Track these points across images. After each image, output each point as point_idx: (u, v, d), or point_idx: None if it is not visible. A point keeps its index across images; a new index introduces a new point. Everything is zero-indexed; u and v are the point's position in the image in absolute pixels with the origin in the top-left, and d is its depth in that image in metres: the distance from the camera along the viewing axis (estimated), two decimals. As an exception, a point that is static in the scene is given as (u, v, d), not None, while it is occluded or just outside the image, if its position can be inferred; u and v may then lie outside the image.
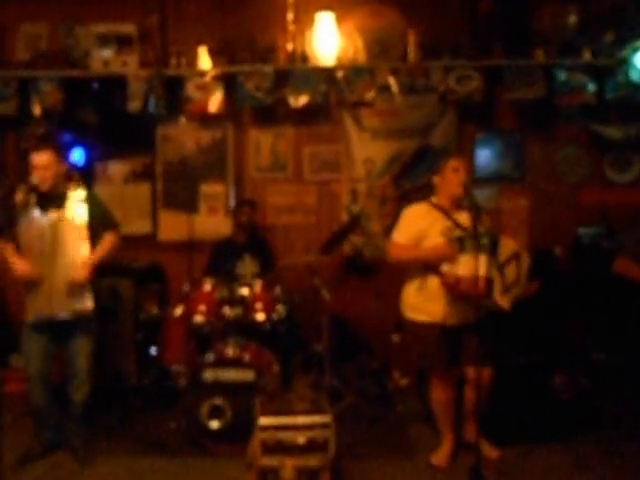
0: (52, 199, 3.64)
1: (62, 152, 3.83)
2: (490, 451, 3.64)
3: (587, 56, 4.90)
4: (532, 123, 5.23)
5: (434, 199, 3.65)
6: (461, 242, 3.39)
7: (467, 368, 3.51)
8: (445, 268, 3.44)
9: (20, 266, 3.53)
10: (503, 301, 3.40)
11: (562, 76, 4.90)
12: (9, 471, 3.25)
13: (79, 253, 3.64)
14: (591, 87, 4.90)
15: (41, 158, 3.62)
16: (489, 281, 3.34)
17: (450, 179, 3.56)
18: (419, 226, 3.57)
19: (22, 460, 3.66)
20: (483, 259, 3.30)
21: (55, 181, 3.65)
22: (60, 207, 3.64)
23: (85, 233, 3.67)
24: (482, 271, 3.30)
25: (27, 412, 3.96)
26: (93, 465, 3.68)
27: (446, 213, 3.54)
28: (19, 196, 3.60)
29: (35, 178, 3.59)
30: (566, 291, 4.60)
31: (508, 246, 3.47)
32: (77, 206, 3.67)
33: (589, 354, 4.57)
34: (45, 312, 3.61)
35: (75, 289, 3.60)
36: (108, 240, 3.76)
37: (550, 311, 3.66)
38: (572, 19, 4.95)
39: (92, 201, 3.76)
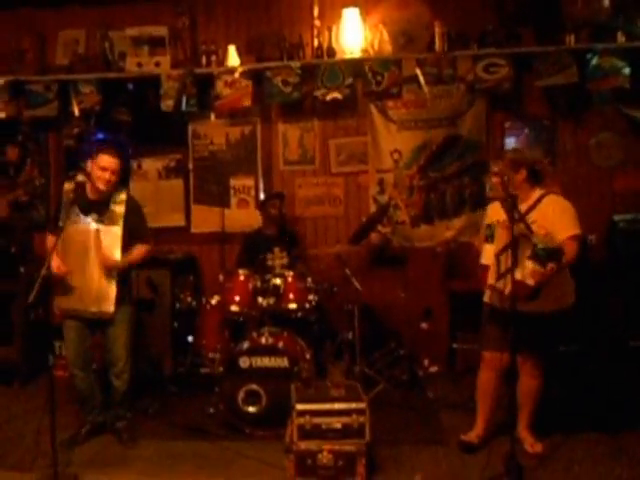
0: (94, 204, 3.74)
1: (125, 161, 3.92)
2: (533, 445, 3.65)
3: (621, 39, 4.81)
4: (563, 109, 5.18)
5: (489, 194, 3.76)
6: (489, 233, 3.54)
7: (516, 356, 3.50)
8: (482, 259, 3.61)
9: (56, 264, 3.59)
10: (500, 286, 3.44)
11: (595, 61, 4.80)
12: (59, 452, 3.37)
13: (113, 258, 3.73)
14: (625, 71, 4.78)
15: (114, 162, 3.71)
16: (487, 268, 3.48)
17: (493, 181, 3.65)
18: (483, 224, 3.75)
19: (70, 442, 3.81)
20: (490, 248, 3.45)
21: (111, 187, 3.74)
22: (101, 213, 3.73)
23: (120, 240, 3.74)
24: (484, 261, 3.49)
25: (74, 397, 4.13)
26: (136, 448, 3.82)
27: (506, 207, 3.55)
28: (67, 191, 3.72)
29: (100, 177, 3.66)
30: (601, 279, 4.55)
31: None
32: (117, 211, 3.75)
33: (626, 342, 4.51)
34: (72, 308, 3.74)
35: (104, 292, 3.69)
36: (140, 249, 3.84)
37: (584, 299, 3.66)
38: (606, 2, 4.85)
39: (132, 208, 3.84)
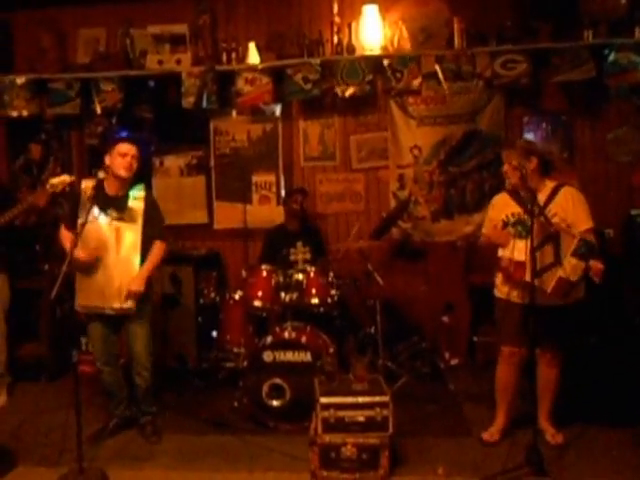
0: (113, 201, 3.79)
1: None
2: (554, 436, 3.68)
3: (639, 35, 4.80)
4: (580, 105, 5.18)
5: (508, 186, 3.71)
6: (514, 227, 3.50)
7: (536, 350, 3.53)
8: (500, 252, 3.56)
9: (79, 252, 3.57)
10: (543, 284, 3.39)
11: (612, 56, 4.80)
12: (86, 447, 3.43)
13: (132, 255, 3.77)
14: (642, 66, 4.77)
15: (132, 148, 3.78)
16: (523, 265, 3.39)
17: (505, 169, 3.64)
18: (490, 215, 3.74)
19: (97, 437, 3.87)
20: (520, 243, 3.40)
21: (132, 175, 3.80)
22: (120, 209, 3.77)
23: (140, 236, 3.79)
24: (517, 255, 3.41)
25: (99, 392, 4.24)
26: (161, 442, 3.88)
27: (518, 198, 3.58)
28: (85, 189, 3.74)
29: (121, 164, 3.72)
30: (618, 272, 4.53)
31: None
32: (135, 208, 3.79)
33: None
34: (93, 305, 3.78)
35: (124, 289, 3.71)
36: (158, 250, 3.87)
37: (602, 292, 3.67)
38: (623, -3, 4.83)
39: (150, 203, 3.88)
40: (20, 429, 4.07)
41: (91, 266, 3.74)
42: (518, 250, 3.41)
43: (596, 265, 3.32)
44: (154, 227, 3.86)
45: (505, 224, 3.57)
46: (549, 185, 3.57)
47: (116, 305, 3.75)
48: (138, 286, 3.72)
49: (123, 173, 3.73)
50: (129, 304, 3.74)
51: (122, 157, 3.74)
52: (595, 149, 5.25)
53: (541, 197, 3.50)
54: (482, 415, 3.99)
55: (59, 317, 5.10)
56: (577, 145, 5.26)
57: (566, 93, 5.17)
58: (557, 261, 3.36)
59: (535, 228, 3.29)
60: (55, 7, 5.52)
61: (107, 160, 3.78)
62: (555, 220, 3.43)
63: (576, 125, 5.26)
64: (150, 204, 3.88)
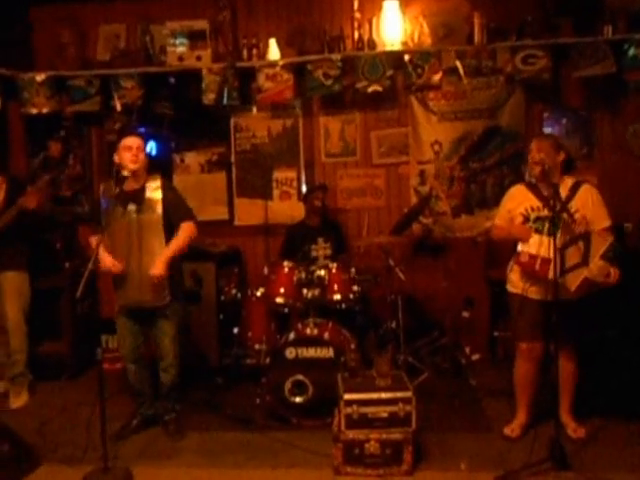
0: (132, 195, 3.79)
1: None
2: (576, 430, 3.68)
3: (659, 29, 4.77)
4: (601, 100, 5.16)
5: (532, 179, 3.69)
6: (536, 223, 3.49)
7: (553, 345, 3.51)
8: (520, 247, 3.53)
9: (110, 263, 3.68)
10: (567, 283, 3.37)
11: (632, 51, 4.76)
12: (109, 445, 3.45)
13: (157, 245, 3.77)
14: (663, 61, 4.74)
15: (135, 140, 3.78)
16: (549, 262, 3.35)
17: (530, 159, 3.62)
18: (508, 207, 3.69)
19: (119, 434, 3.88)
20: (546, 240, 3.36)
21: (143, 166, 3.80)
22: (139, 202, 3.77)
23: (161, 225, 3.78)
24: (543, 252, 3.37)
25: (121, 389, 4.29)
26: (184, 439, 3.90)
27: (538, 192, 3.57)
28: (104, 190, 3.80)
29: (128, 158, 3.71)
30: (637, 266, 4.53)
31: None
32: (153, 198, 3.80)
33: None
34: (130, 300, 3.81)
35: (155, 282, 3.73)
36: (184, 230, 3.81)
37: (621, 286, 3.66)
38: (644, -8, 4.79)
39: (167, 190, 3.87)
40: (43, 427, 4.10)
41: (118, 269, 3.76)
42: (544, 246, 3.38)
43: (616, 272, 3.33)
44: (177, 210, 3.85)
45: (526, 218, 3.55)
46: (568, 182, 3.56)
47: (149, 298, 3.77)
48: (158, 270, 3.69)
49: (132, 166, 3.72)
50: (161, 297, 3.76)
51: (127, 150, 3.74)
52: (614, 144, 5.22)
53: (561, 193, 3.48)
54: (503, 410, 4.00)
55: (80, 315, 5.13)
56: (597, 140, 5.23)
57: (586, 88, 5.14)
58: (584, 261, 3.35)
59: (562, 225, 3.28)
60: (75, 4, 5.54)
61: (116, 159, 3.79)
62: (577, 217, 3.42)
63: (596, 120, 5.23)
64: (167, 190, 3.87)
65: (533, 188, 3.61)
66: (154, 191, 3.82)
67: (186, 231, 3.82)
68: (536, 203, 3.54)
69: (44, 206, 4.31)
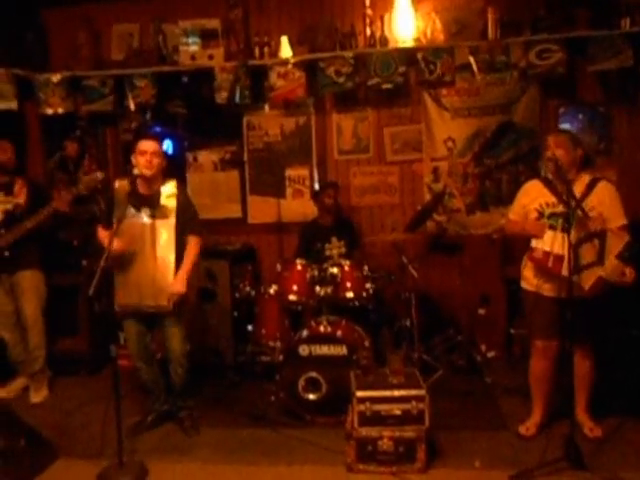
0: (146, 199, 3.82)
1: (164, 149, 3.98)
2: (592, 429, 3.65)
3: (678, 22, 4.68)
4: (618, 94, 5.09)
5: (548, 174, 3.65)
6: (551, 219, 3.46)
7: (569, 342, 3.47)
8: (534, 243, 3.50)
9: (115, 244, 3.55)
10: (581, 281, 3.34)
11: (649, 44, 4.69)
12: (125, 440, 3.50)
13: (167, 252, 3.80)
14: (682, 54, 4.65)
15: (152, 145, 3.79)
16: (562, 259, 3.33)
17: (545, 155, 3.59)
18: (522, 202, 3.67)
19: (135, 430, 3.92)
20: (560, 236, 3.34)
21: (158, 171, 3.81)
22: (153, 207, 3.80)
23: (174, 233, 3.81)
24: (557, 248, 3.35)
25: (137, 386, 4.31)
26: (199, 435, 3.92)
27: (553, 188, 3.54)
28: (119, 188, 3.81)
29: (141, 163, 3.73)
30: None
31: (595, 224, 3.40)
32: (168, 205, 3.82)
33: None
34: (131, 302, 3.83)
35: (176, 299, 3.76)
36: (194, 247, 3.86)
37: (638, 284, 3.62)
38: (662, -17, 4.71)
39: (183, 201, 3.89)
40: (61, 422, 4.15)
41: (127, 263, 3.78)
42: (558, 243, 3.36)
43: (631, 272, 3.29)
44: (188, 223, 3.88)
45: (540, 214, 3.52)
46: (585, 178, 3.53)
47: (153, 303, 3.79)
48: (180, 288, 3.76)
49: (144, 171, 3.74)
50: (168, 304, 3.77)
51: (142, 155, 3.76)
52: (633, 139, 5.14)
53: (577, 190, 3.45)
54: (519, 408, 3.98)
55: (97, 312, 5.17)
56: (614, 135, 5.15)
57: (603, 83, 5.08)
58: (599, 260, 3.32)
59: (575, 222, 3.25)
60: (90, 4, 5.58)
61: (133, 160, 3.81)
62: (592, 214, 3.38)
63: (613, 115, 5.15)
64: (183, 200, 3.90)
65: (549, 184, 3.58)
66: (169, 198, 3.84)
67: (196, 247, 3.89)
68: (551, 199, 3.51)
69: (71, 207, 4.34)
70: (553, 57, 4.80)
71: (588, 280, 3.33)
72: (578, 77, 5.07)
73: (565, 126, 5.16)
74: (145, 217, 3.79)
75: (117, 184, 3.88)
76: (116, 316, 3.94)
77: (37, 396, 4.62)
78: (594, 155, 4.57)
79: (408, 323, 4.65)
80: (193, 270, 3.90)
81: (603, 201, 3.44)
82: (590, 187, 3.48)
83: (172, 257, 3.81)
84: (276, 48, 5.20)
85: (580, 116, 5.19)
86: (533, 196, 3.61)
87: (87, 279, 4.99)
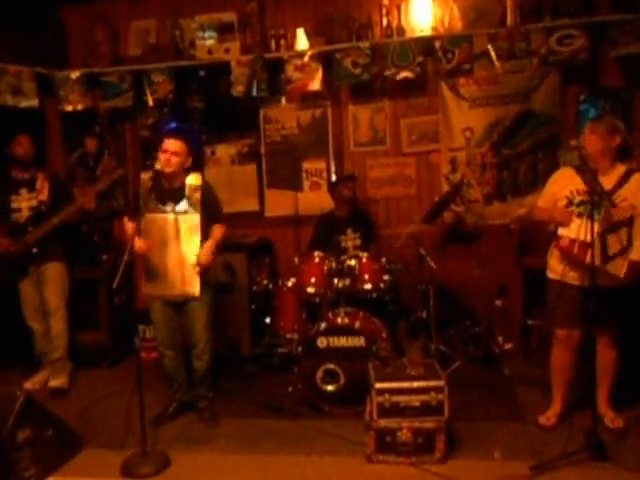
0: (170, 193, 3.86)
1: (191, 146, 3.98)
2: (614, 420, 3.61)
3: None
4: (640, 80, 4.97)
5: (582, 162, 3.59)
6: (580, 207, 3.41)
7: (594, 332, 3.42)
8: (560, 231, 3.47)
9: (138, 244, 3.69)
10: (613, 269, 3.31)
11: (674, 28, 4.57)
12: (149, 429, 3.56)
13: (193, 244, 3.84)
14: None
15: (173, 144, 3.82)
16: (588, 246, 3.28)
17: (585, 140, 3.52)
18: (552, 189, 3.63)
19: (157, 420, 3.97)
20: (587, 225, 3.26)
21: (178, 169, 3.84)
22: (178, 201, 3.84)
23: (199, 227, 3.86)
24: (583, 236, 3.30)
25: (159, 377, 4.36)
26: (218, 426, 3.95)
27: (585, 176, 3.46)
28: (144, 180, 3.85)
29: (161, 160, 3.78)
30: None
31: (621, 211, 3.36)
32: (193, 198, 3.86)
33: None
34: (158, 293, 3.90)
35: (187, 276, 3.81)
36: (218, 232, 3.96)
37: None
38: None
39: (207, 194, 3.94)
40: (85, 414, 4.20)
41: (153, 255, 3.84)
42: (584, 230, 3.29)
43: None
44: (213, 214, 3.95)
45: (570, 201, 3.47)
46: (620, 169, 3.46)
47: (179, 292, 3.86)
48: (206, 258, 3.83)
49: (164, 169, 3.79)
50: (193, 290, 3.83)
51: (162, 153, 3.82)
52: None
53: (610, 180, 3.41)
54: (537, 399, 3.95)
55: (117, 306, 5.25)
56: (637, 124, 5.00)
57: (625, 68, 4.97)
58: (628, 246, 3.29)
59: (604, 210, 3.22)
60: (107, 2, 5.65)
61: (158, 155, 3.86)
62: (623, 205, 3.33)
63: (636, 101, 5.03)
64: (207, 192, 3.94)
65: (582, 172, 3.51)
66: (195, 191, 3.88)
67: (220, 232, 3.98)
68: (582, 187, 3.45)
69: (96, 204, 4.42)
70: (575, 43, 4.73)
71: (621, 267, 3.29)
72: (600, 62, 4.96)
73: (587, 113, 5.04)
74: (170, 210, 3.83)
75: (143, 176, 3.96)
76: (137, 307, 3.98)
77: (55, 381, 4.67)
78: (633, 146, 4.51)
79: (425, 314, 4.65)
80: (215, 255, 3.96)
81: (636, 193, 3.37)
82: (625, 178, 3.42)
83: (197, 249, 3.85)
84: (292, 40, 5.21)
85: (602, 102, 5.07)
86: (563, 184, 3.56)
87: (107, 273, 5.10)
